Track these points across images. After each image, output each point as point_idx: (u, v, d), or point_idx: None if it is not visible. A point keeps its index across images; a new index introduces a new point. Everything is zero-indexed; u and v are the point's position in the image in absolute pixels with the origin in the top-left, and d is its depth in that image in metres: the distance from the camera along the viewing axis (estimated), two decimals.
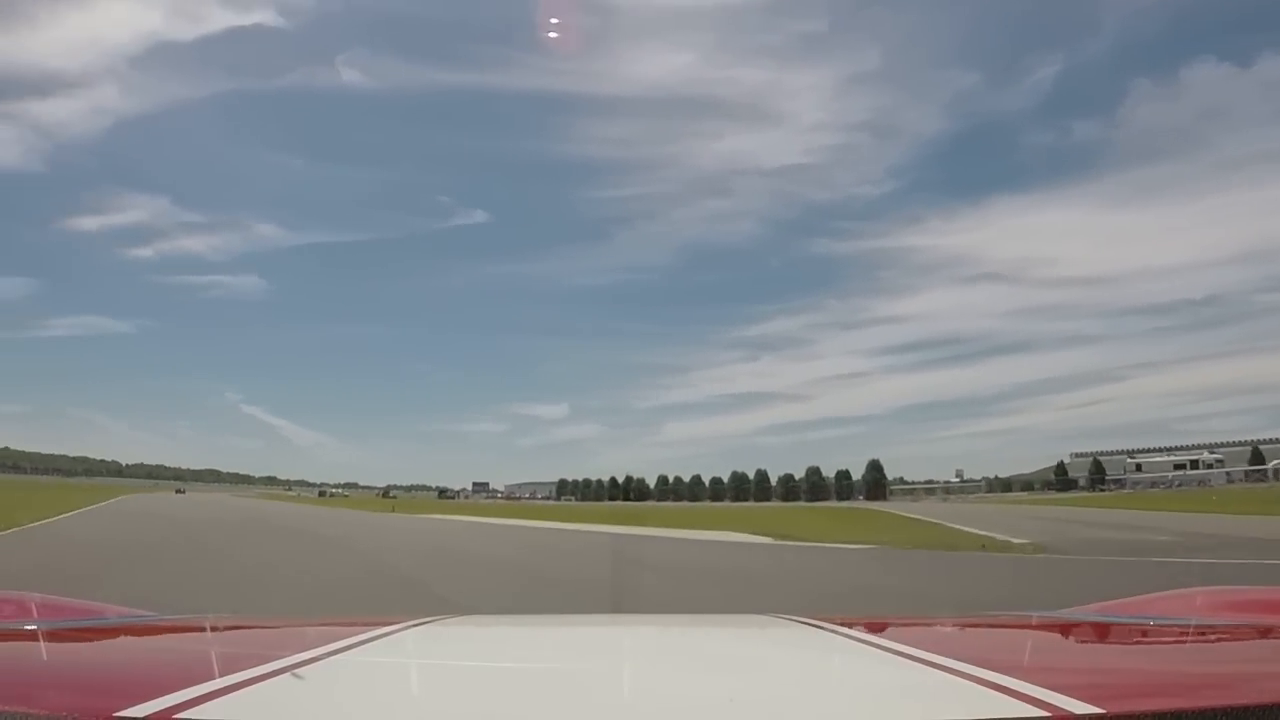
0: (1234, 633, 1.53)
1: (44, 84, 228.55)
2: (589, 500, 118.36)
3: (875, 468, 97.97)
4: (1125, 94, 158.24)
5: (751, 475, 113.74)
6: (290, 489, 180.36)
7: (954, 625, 2.04)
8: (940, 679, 1.03)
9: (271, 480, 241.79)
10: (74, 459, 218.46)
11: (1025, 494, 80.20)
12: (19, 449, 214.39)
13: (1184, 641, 1.46)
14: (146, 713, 0.81)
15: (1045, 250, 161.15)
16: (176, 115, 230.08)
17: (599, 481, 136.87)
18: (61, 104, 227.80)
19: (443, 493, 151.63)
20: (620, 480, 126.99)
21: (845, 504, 68.01)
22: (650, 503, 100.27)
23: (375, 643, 1.41)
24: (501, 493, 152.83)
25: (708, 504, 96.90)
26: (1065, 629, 1.76)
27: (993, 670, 0.99)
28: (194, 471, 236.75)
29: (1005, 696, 0.88)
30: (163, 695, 0.86)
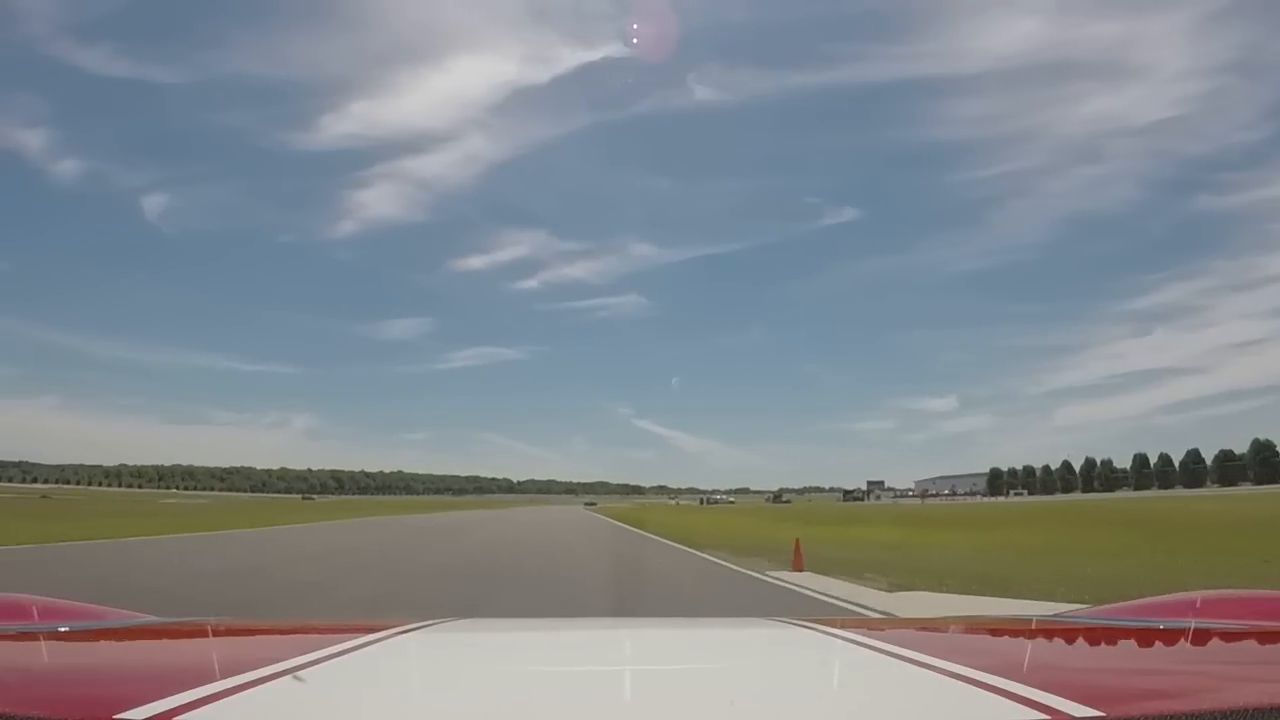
0: (1234, 636, 1.52)
1: (417, 142, 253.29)
2: (1035, 495, 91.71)
3: (1265, 448, 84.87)
4: None
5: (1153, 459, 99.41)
6: (673, 498, 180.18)
7: (955, 629, 2.04)
8: (941, 682, 1.03)
9: (662, 489, 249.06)
10: (465, 478, 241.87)
11: None
12: (414, 472, 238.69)
13: (1184, 644, 1.45)
14: (147, 715, 0.81)
15: None
16: (543, 153, 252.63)
17: (1027, 469, 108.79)
18: (435, 158, 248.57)
19: (848, 494, 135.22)
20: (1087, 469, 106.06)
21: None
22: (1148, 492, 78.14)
23: (376, 646, 1.41)
24: (913, 490, 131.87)
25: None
26: (1065, 632, 1.77)
27: (993, 674, 0.99)
28: (585, 485, 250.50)
29: (1006, 700, 0.89)
30: (163, 698, 0.86)
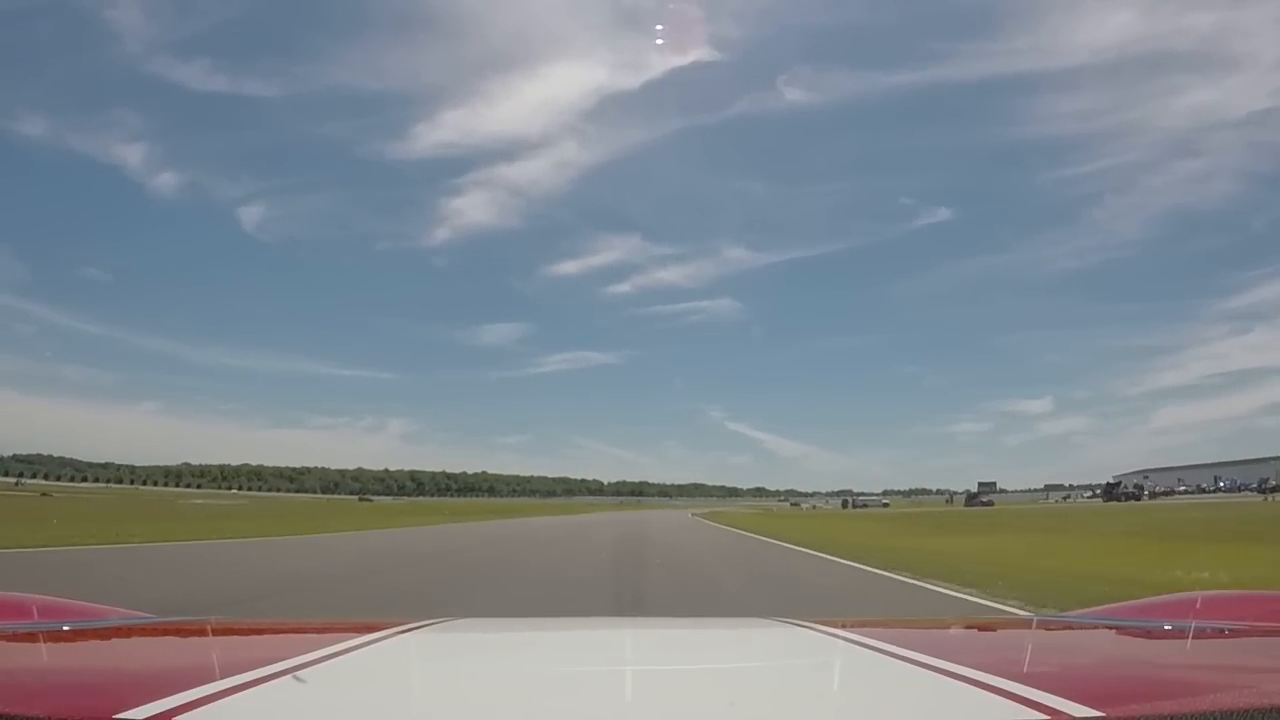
0: (1234, 636, 1.53)
1: (510, 150, 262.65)
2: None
3: None
4: None
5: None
6: (795, 502, 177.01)
7: (955, 628, 2.05)
8: (941, 683, 1.03)
9: (759, 491, 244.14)
10: (554, 479, 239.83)
11: None
12: (499, 473, 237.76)
13: (1184, 644, 1.45)
14: (146, 715, 0.80)
15: None
16: (635, 158, 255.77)
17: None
18: (529, 165, 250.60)
19: (972, 497, 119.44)
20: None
21: None
22: None
23: (376, 645, 1.41)
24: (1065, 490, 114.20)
25: None
26: (1065, 632, 1.77)
27: (994, 674, 0.99)
28: (679, 486, 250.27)
29: (1006, 700, 0.89)
30: (163, 697, 0.86)
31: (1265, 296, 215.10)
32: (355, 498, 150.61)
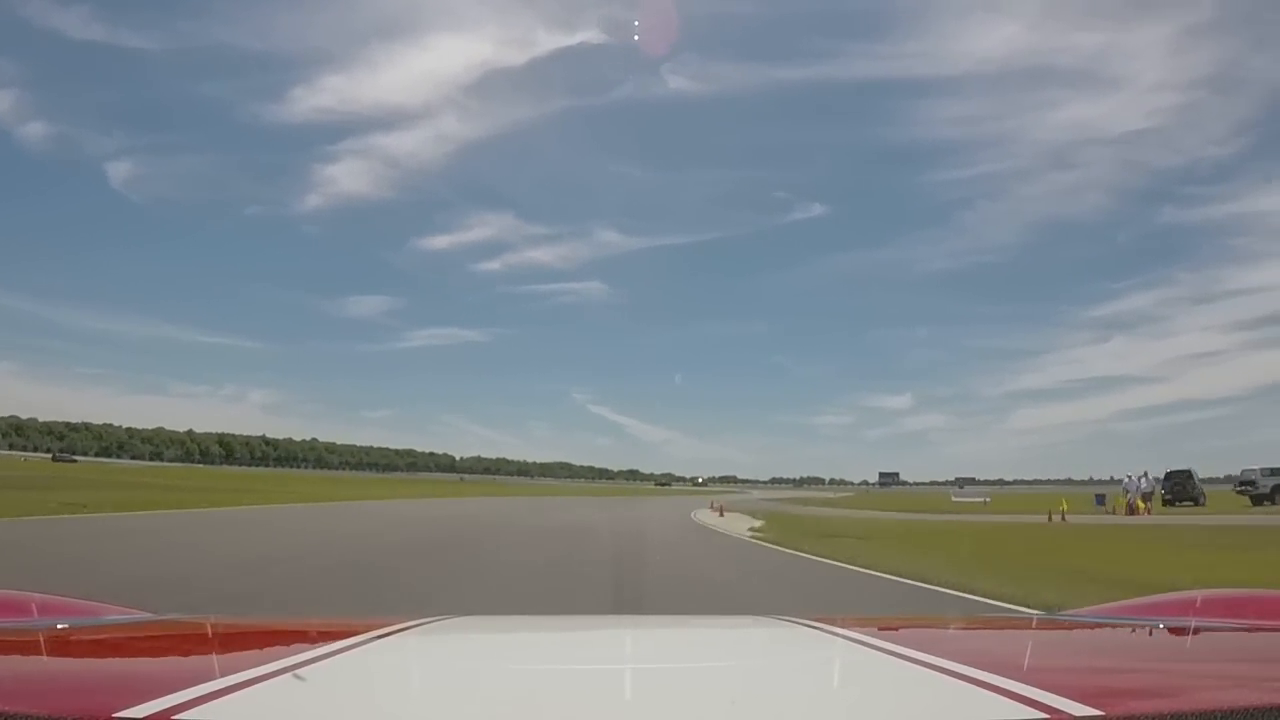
0: (1233, 634, 1.53)
1: (389, 119, 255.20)
2: None
3: None
4: None
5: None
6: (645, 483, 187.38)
7: (954, 627, 2.04)
8: (940, 681, 1.03)
9: (633, 474, 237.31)
10: (377, 450, 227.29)
11: None
12: (379, 446, 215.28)
13: (1184, 644, 1.45)
14: (146, 713, 0.80)
15: None
16: (515, 135, 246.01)
17: None
18: (407, 136, 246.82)
19: (884, 483, 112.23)
20: None
21: None
22: None
23: (376, 644, 1.40)
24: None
25: None
26: (1065, 632, 1.77)
27: (993, 672, 0.99)
28: (541, 465, 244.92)
29: (1005, 699, 0.88)
30: (162, 696, 0.85)
31: (1127, 307, 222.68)
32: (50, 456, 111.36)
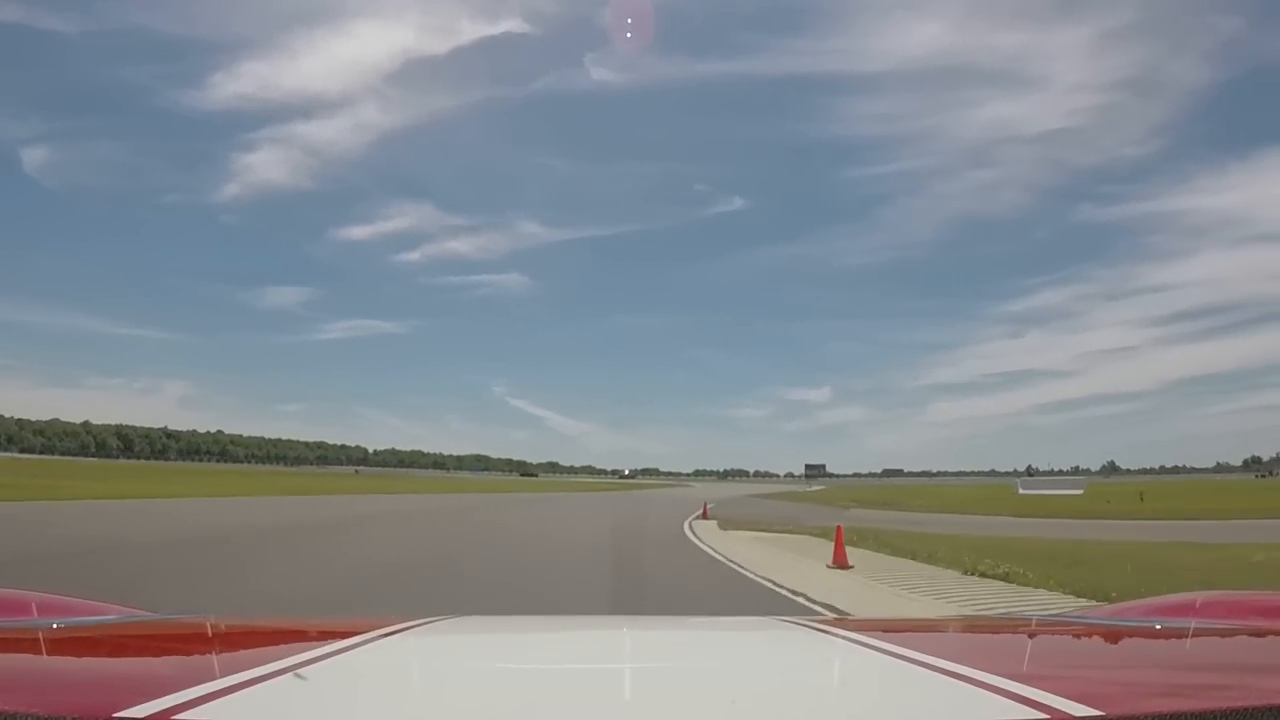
0: (1234, 636, 1.53)
1: (308, 107, 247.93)
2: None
3: None
4: None
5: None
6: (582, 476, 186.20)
7: (955, 628, 2.05)
8: (941, 682, 1.03)
9: (554, 466, 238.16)
10: (335, 447, 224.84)
11: None
12: (294, 438, 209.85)
13: (1184, 644, 1.45)
14: (146, 713, 0.80)
15: None
16: (437, 125, 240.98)
17: None
18: (326, 124, 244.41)
19: (810, 476, 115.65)
20: None
21: None
22: None
23: (376, 643, 1.41)
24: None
25: None
26: (1065, 632, 1.78)
27: (994, 674, 0.99)
28: (457, 458, 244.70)
29: (1006, 700, 0.89)
30: (163, 695, 0.85)
31: (1042, 303, 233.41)
32: None
